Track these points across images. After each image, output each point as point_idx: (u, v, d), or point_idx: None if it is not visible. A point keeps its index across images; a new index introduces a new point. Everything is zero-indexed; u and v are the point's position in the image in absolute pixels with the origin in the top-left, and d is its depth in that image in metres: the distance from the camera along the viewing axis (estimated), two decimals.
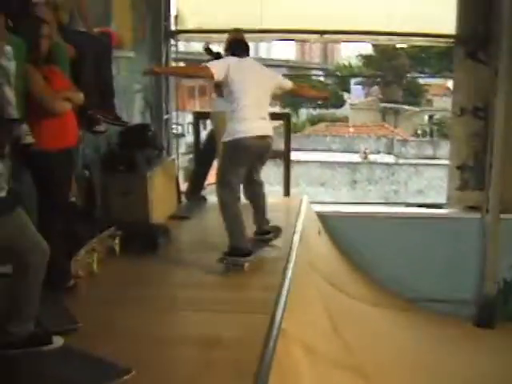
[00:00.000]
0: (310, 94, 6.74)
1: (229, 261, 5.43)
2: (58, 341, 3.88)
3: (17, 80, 4.25)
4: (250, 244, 5.56)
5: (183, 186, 8.18)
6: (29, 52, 4.37)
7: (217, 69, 5.44)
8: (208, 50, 7.41)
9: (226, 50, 5.92)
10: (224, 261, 5.44)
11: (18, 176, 4.44)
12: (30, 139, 4.30)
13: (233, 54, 5.67)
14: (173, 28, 8.88)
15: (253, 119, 5.39)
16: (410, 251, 8.38)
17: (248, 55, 5.71)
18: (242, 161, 5.45)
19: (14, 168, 4.37)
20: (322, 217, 8.42)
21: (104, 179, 6.43)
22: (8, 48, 4.20)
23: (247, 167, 5.56)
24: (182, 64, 9.75)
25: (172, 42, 8.91)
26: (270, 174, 15.10)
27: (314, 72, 47.23)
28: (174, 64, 9.04)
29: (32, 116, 4.33)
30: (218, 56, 7.39)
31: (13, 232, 3.57)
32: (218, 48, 7.42)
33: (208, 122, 8.19)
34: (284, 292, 4.90)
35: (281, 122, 9.08)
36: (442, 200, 9.45)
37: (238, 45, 5.77)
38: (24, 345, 3.73)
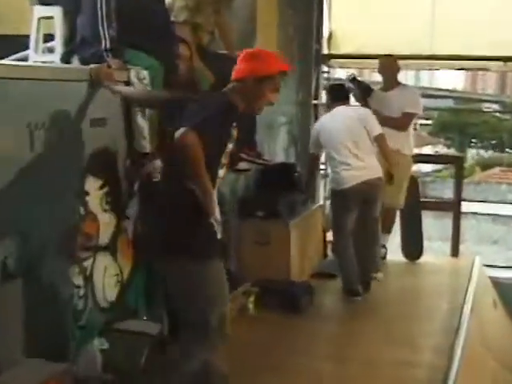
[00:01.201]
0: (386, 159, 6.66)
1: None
2: None
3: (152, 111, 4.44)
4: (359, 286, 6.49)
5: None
6: (166, 77, 4.55)
7: (310, 147, 6.98)
8: (354, 81, 7.56)
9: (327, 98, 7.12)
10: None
11: (147, 218, 4.59)
12: None
13: (332, 103, 6.78)
14: (325, 52, 9.00)
15: (351, 168, 6.38)
16: None
17: (345, 101, 6.82)
18: (349, 207, 6.45)
19: (141, 209, 4.57)
20: (496, 284, 8.15)
21: (239, 226, 6.54)
22: (143, 73, 4.40)
23: (356, 212, 6.49)
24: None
25: (324, 67, 9.02)
26: (429, 228, 14.92)
27: (488, 105, 46.20)
28: (324, 93, 9.14)
29: (167, 151, 4.48)
30: (365, 87, 7.53)
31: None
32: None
33: None
34: (452, 374, 4.78)
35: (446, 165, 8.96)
36: None
37: (333, 93, 6.95)
38: None
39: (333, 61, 9.22)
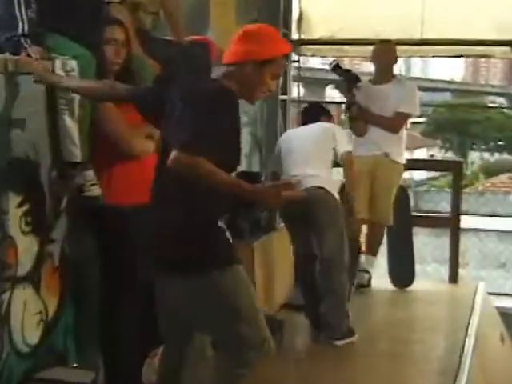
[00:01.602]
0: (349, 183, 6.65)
1: None
2: None
3: (82, 109, 4.41)
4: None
5: None
6: (99, 68, 4.52)
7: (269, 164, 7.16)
8: (338, 69, 7.56)
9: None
10: None
11: (78, 240, 4.56)
12: (96, 191, 4.42)
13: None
14: (295, 37, 9.03)
15: (297, 176, 6.18)
16: None
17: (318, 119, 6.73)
18: (288, 226, 6.68)
19: (72, 229, 4.53)
20: (505, 316, 8.22)
21: None
22: (72, 63, 4.36)
23: (302, 232, 6.47)
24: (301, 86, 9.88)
25: (293, 56, 9.05)
26: (423, 248, 15.00)
27: (492, 98, 46.61)
28: (295, 85, 9.18)
29: (100, 159, 4.45)
30: (352, 77, 7.55)
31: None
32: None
33: None
34: None
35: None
36: None
37: (306, 113, 7.04)
38: None
39: (304, 47, 9.25)
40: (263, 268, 6.68)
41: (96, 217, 4.50)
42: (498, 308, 8.23)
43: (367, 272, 7.85)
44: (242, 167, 7.61)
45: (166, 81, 5.19)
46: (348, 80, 7.57)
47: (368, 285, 7.81)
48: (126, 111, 4.50)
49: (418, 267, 8.36)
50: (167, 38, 5.66)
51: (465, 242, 16.45)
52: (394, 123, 7.49)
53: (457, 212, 8.77)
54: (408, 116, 7.68)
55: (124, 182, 4.48)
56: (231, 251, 3.89)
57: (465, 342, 6.33)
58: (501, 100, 45.93)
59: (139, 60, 5.03)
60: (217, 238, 3.81)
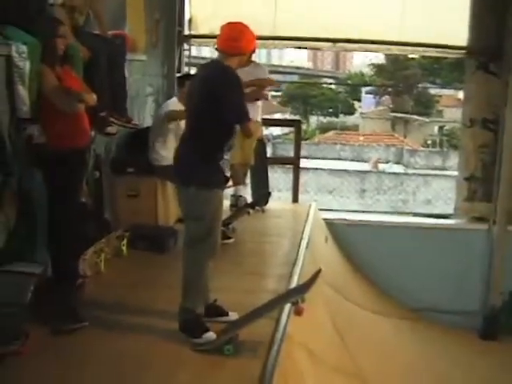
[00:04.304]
0: None
1: None
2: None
3: (31, 80, 4.30)
4: None
5: None
6: (44, 52, 4.42)
7: None
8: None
9: None
10: None
11: (30, 175, 4.48)
12: (42, 139, 4.35)
13: None
14: (186, 32, 8.95)
15: None
16: (416, 261, 8.38)
17: None
18: None
19: (25, 167, 4.45)
20: (329, 224, 8.45)
21: (113, 181, 6.47)
22: (23, 47, 4.26)
23: None
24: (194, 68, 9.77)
25: (185, 46, 8.98)
26: (279, 180, 15.22)
27: (325, 80, 47.25)
28: (185, 68, 9.12)
29: (45, 116, 4.37)
30: None
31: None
32: None
33: None
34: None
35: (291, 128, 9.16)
36: (450, 211, 9.44)
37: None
38: None
39: (193, 40, 9.19)
40: (163, 194, 6.68)
41: (43, 158, 4.43)
42: (325, 219, 8.46)
43: (242, 197, 7.87)
44: (149, 123, 7.54)
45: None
46: None
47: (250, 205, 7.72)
48: (64, 81, 4.46)
49: (276, 194, 8.44)
50: (95, 32, 5.57)
51: (305, 177, 16.84)
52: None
53: (297, 155, 8.89)
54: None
55: (61, 132, 4.40)
56: (225, 179, 4.34)
57: (300, 242, 6.48)
58: (331, 81, 46.60)
59: (74, 48, 4.94)
60: (220, 169, 4.17)
